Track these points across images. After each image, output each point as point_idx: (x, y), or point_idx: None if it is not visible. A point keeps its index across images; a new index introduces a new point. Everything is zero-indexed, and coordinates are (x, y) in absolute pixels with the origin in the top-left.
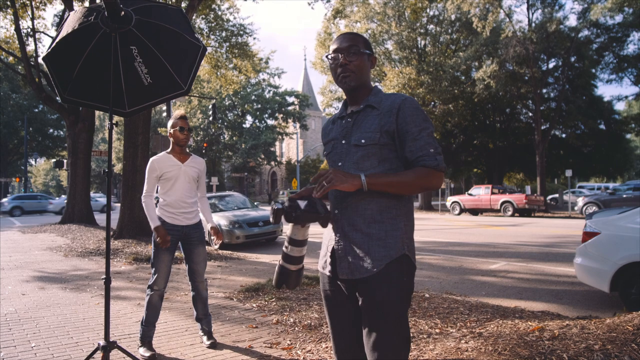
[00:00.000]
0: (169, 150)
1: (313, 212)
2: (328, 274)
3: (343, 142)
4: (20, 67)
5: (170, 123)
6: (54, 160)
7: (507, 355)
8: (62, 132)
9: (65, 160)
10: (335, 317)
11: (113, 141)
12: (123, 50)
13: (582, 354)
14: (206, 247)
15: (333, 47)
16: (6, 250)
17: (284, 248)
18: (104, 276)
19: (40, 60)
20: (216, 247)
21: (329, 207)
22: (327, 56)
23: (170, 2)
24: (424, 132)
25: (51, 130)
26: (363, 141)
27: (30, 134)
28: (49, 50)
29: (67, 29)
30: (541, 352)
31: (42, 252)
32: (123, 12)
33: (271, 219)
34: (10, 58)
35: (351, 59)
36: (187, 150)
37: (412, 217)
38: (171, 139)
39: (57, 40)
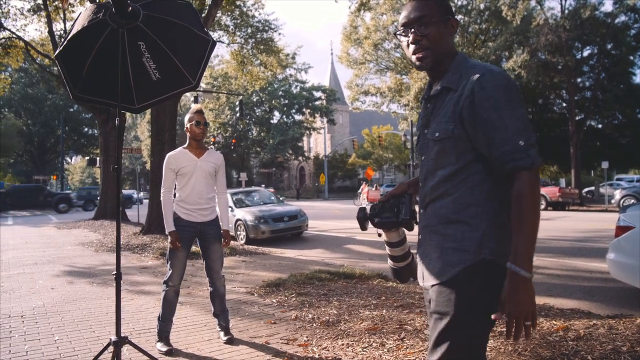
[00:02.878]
0: (185, 145)
1: (389, 220)
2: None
3: (425, 131)
4: (55, 68)
5: (187, 117)
6: (87, 158)
7: (527, 356)
8: (96, 131)
9: (98, 158)
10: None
11: (145, 138)
12: (131, 46)
13: (608, 356)
14: (230, 242)
15: (401, 20)
16: (41, 246)
17: (386, 249)
18: (115, 272)
19: None
20: (242, 241)
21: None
22: (395, 34)
23: None
24: (508, 117)
25: (86, 129)
26: (437, 134)
27: (66, 133)
28: (61, 48)
29: (77, 26)
30: (564, 354)
31: (74, 247)
32: (130, 8)
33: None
34: (46, 60)
35: (424, 32)
36: (206, 145)
37: (498, 215)
38: (188, 134)
39: (68, 38)
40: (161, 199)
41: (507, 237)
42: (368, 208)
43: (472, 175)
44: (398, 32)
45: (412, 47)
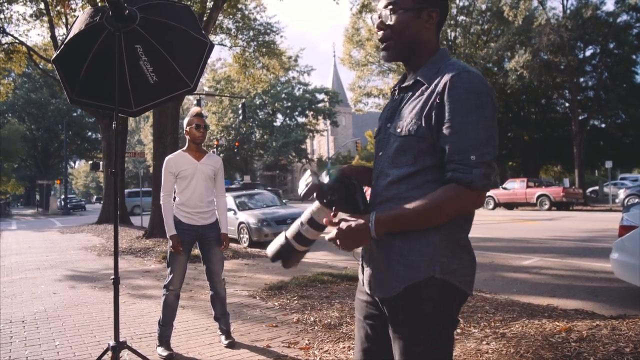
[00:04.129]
0: (184, 148)
1: (352, 205)
2: (360, 281)
3: (388, 125)
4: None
5: (186, 120)
6: (90, 162)
7: (529, 358)
8: (99, 135)
9: (101, 163)
10: (358, 328)
11: (148, 142)
12: (128, 49)
13: (612, 358)
14: (234, 244)
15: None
16: (44, 250)
17: (299, 223)
18: (113, 276)
19: None
20: (245, 244)
21: None
22: (371, 18)
23: (194, 2)
24: (472, 124)
25: (89, 134)
26: (399, 130)
27: (69, 138)
28: (58, 52)
29: (74, 30)
30: (566, 355)
31: (77, 251)
32: (127, 11)
33: (300, 192)
34: (49, 65)
35: (389, 21)
36: (204, 148)
37: (460, 229)
38: (187, 137)
39: (65, 42)
40: (161, 202)
41: (461, 253)
42: (324, 179)
43: (428, 182)
44: (372, 17)
45: (378, 34)
